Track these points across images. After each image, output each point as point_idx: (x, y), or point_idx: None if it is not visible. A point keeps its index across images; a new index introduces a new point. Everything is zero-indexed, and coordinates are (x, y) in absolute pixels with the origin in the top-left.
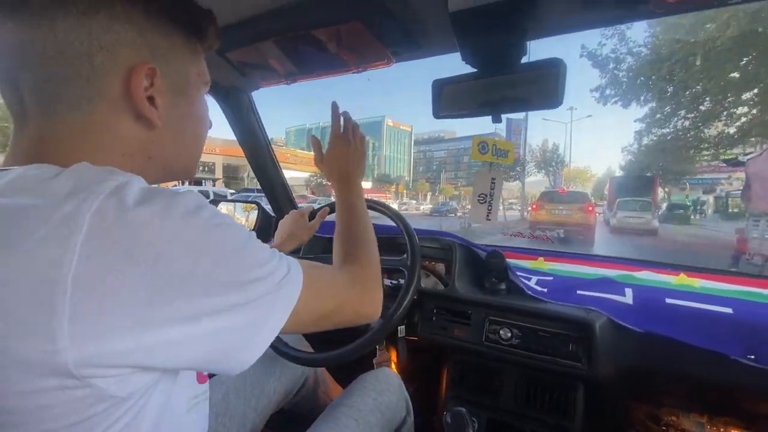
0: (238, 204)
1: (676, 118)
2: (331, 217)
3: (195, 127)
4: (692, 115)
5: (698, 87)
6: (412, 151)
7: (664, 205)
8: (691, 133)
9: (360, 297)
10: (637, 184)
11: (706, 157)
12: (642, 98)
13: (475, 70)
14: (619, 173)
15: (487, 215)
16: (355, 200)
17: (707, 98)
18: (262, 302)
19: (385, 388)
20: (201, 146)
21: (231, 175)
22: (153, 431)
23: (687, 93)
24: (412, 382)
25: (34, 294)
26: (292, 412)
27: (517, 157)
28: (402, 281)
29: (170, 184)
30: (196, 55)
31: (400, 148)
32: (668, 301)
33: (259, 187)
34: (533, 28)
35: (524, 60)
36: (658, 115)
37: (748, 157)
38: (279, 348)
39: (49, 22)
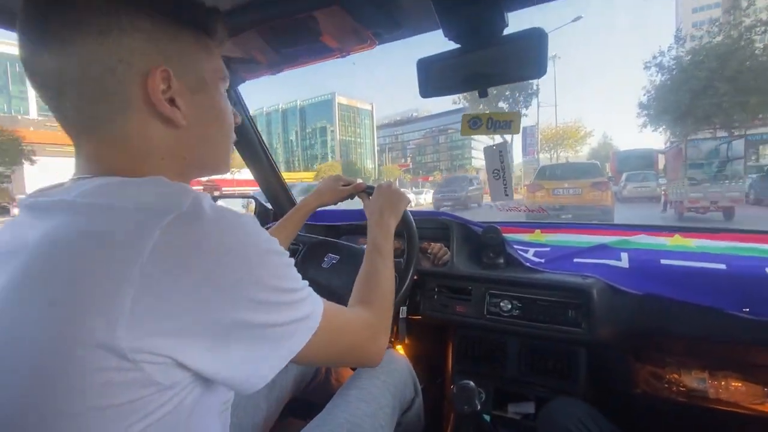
0: (236, 199)
1: None
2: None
3: (219, 122)
4: None
5: None
6: (375, 134)
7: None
8: None
9: (368, 343)
10: (639, 156)
11: None
12: None
13: (459, 45)
14: (637, 117)
15: (505, 190)
16: (383, 242)
17: None
18: (285, 329)
19: (393, 369)
20: (228, 140)
21: None
22: (190, 423)
23: None
24: (417, 360)
25: (109, 285)
26: (306, 400)
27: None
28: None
29: None
30: (208, 53)
31: (360, 130)
32: (663, 261)
33: None
34: None
35: (506, 32)
36: None
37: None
38: None
39: (73, 48)
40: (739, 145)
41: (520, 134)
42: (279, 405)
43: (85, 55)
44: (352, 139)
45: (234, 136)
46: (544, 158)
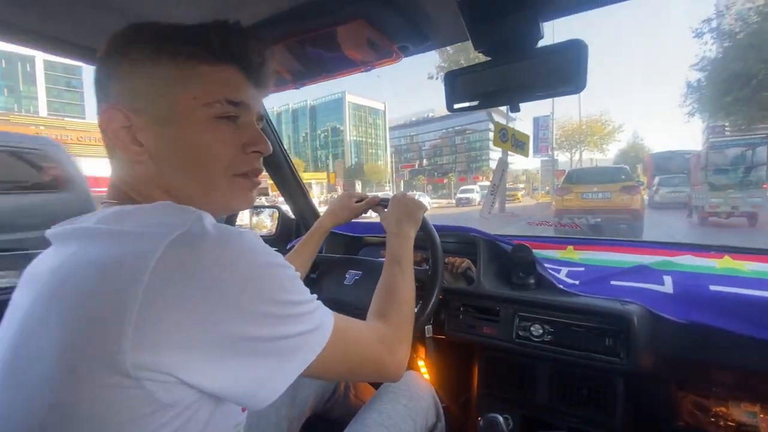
0: (261, 210)
1: None
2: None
3: (192, 155)
4: None
5: None
6: (388, 134)
7: None
8: None
9: (384, 357)
10: (678, 158)
11: None
12: None
13: (489, 58)
14: (681, 107)
15: (490, 209)
16: (401, 252)
17: None
18: (292, 342)
19: (415, 392)
20: (214, 175)
21: None
22: None
23: None
24: (441, 381)
25: (114, 303)
26: (325, 417)
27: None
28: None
29: None
30: (189, 80)
31: (372, 131)
32: (712, 288)
33: None
34: (548, 8)
35: (541, 43)
36: None
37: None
38: None
39: None
40: (762, 152)
41: (531, 127)
42: (299, 422)
43: None
44: (364, 139)
45: (240, 168)
46: (564, 160)
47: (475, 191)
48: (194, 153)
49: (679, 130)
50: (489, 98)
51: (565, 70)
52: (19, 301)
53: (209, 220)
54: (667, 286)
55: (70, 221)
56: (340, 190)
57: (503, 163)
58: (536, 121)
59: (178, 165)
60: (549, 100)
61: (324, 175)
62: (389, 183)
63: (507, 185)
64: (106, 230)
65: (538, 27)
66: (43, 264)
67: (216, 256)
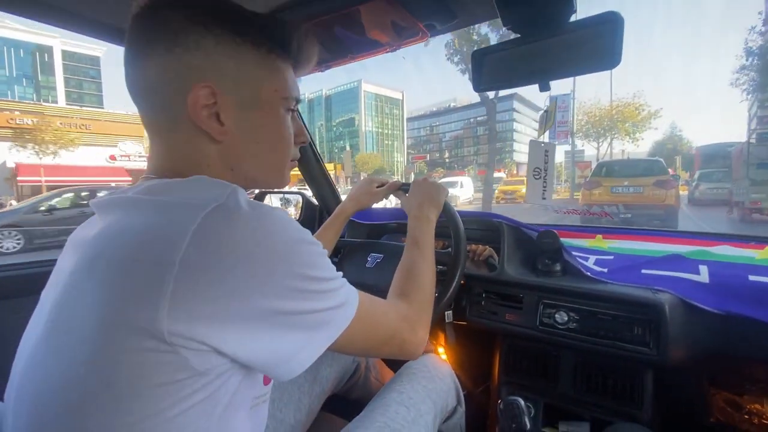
0: (285, 196)
1: None
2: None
3: (270, 141)
4: None
5: None
6: (405, 125)
7: None
8: None
9: (406, 335)
10: (726, 152)
11: None
12: None
13: (518, 35)
14: (733, 86)
15: (543, 193)
16: (423, 238)
17: None
18: (320, 316)
19: (435, 375)
20: (281, 158)
21: None
22: (223, 416)
23: None
24: (461, 365)
25: (152, 270)
26: (345, 397)
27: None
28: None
29: None
30: (272, 71)
31: (388, 121)
32: (752, 278)
33: None
34: None
35: (573, 18)
36: None
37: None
38: None
39: (146, 62)
40: None
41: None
42: (320, 400)
43: (153, 69)
44: (380, 130)
45: (292, 155)
46: (591, 152)
47: (459, 185)
48: (273, 139)
49: (725, 122)
50: (518, 77)
51: (599, 45)
52: (63, 266)
53: (243, 195)
54: (703, 275)
55: (113, 191)
56: (342, 182)
57: (548, 145)
58: (553, 100)
59: (254, 147)
60: (570, 78)
61: (332, 166)
62: (399, 177)
63: (509, 179)
64: (146, 200)
65: (571, 0)
66: (86, 230)
67: (250, 231)
